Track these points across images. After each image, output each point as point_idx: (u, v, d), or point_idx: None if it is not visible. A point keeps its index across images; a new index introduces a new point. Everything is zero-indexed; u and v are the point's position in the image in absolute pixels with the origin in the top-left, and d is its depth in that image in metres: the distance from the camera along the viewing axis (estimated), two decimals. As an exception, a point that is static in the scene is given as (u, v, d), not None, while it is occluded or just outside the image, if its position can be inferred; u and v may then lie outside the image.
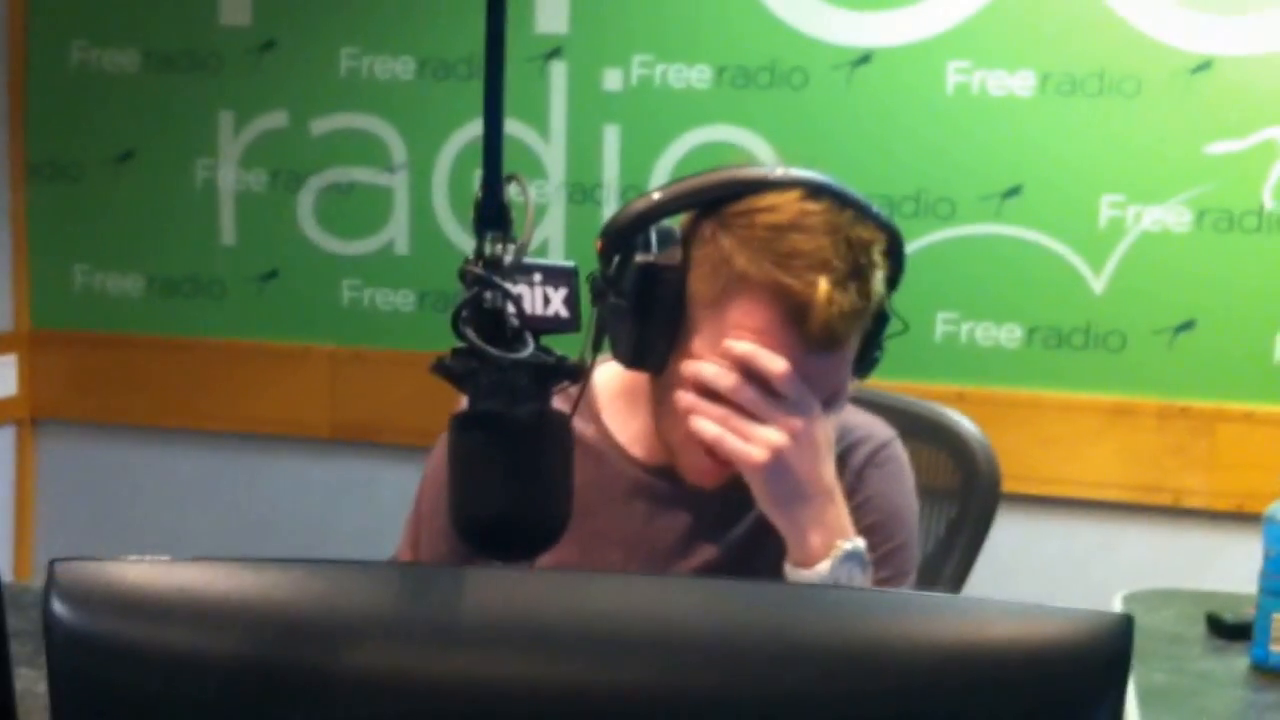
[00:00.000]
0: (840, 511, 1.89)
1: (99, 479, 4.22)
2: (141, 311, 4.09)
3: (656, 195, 1.86)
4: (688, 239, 1.88)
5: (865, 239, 1.87)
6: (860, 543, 1.89)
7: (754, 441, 1.84)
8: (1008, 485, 2.50)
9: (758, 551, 1.95)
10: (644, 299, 1.84)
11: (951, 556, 2.41)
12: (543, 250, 3.72)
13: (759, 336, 1.84)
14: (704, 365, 1.85)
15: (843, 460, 2.00)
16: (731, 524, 1.99)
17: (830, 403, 1.90)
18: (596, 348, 1.86)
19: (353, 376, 3.94)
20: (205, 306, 4.04)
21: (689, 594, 0.90)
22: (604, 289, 1.85)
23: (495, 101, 1.13)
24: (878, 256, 1.88)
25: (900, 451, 2.10)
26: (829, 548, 1.87)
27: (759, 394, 1.84)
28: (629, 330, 1.85)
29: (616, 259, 1.85)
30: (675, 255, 1.86)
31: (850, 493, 1.97)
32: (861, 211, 1.89)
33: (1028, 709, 0.84)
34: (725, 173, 1.91)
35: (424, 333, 3.70)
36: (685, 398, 1.87)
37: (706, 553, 2.00)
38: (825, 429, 1.88)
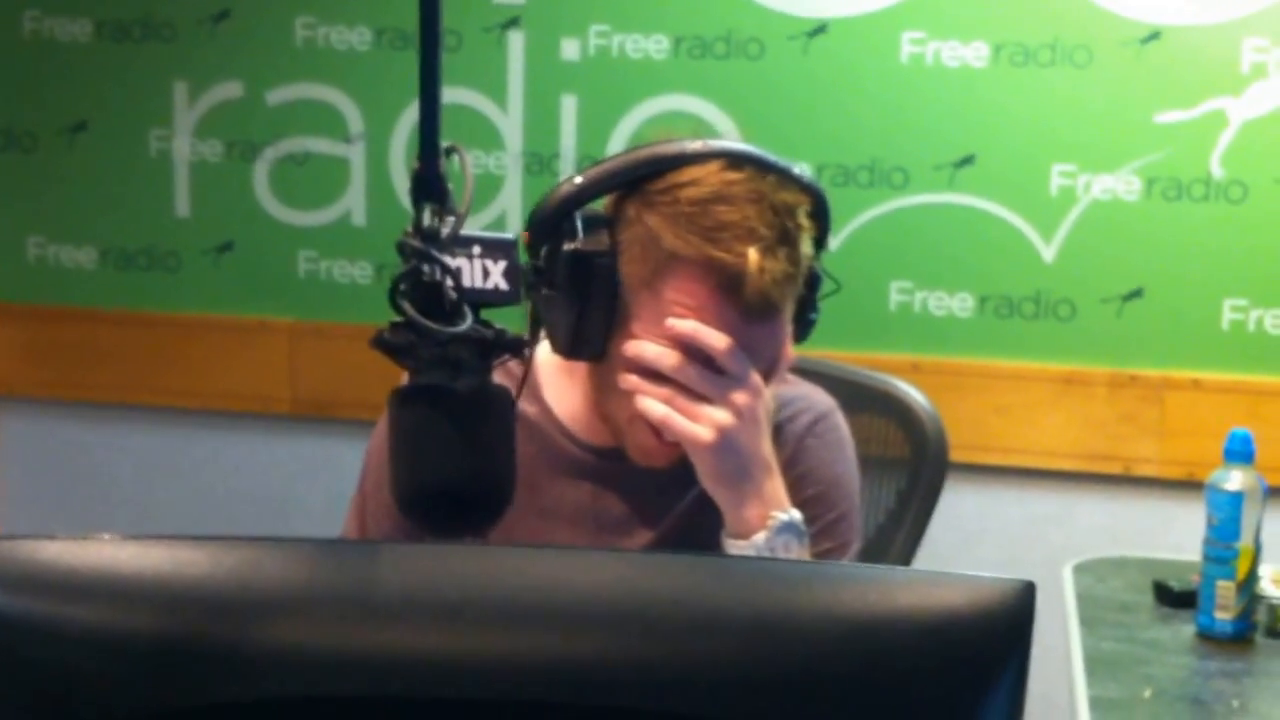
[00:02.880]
0: (776, 484, 1.91)
1: (56, 456, 4.19)
2: (96, 284, 4.06)
3: (578, 180, 1.85)
4: (613, 221, 1.88)
5: (790, 203, 1.87)
6: (796, 514, 1.90)
7: (701, 420, 1.85)
8: (962, 455, 2.51)
9: (702, 524, 1.96)
10: (576, 288, 1.83)
11: (902, 527, 2.42)
12: (501, 222, 3.72)
13: (696, 312, 1.84)
14: (646, 346, 1.86)
15: (782, 430, 2.01)
16: (675, 499, 2.00)
17: (771, 371, 1.91)
18: (533, 338, 1.86)
19: (311, 350, 3.93)
20: (160, 279, 4.01)
21: (604, 566, 0.91)
22: (535, 280, 1.84)
23: (431, 71, 1.13)
24: (804, 219, 1.89)
25: (840, 422, 2.10)
26: (765, 519, 1.88)
27: (702, 372, 1.85)
28: (564, 320, 1.85)
29: (545, 249, 1.84)
30: (603, 240, 1.85)
31: (790, 463, 1.99)
32: (784, 176, 1.89)
33: (933, 674, 0.85)
34: (644, 150, 1.90)
35: (382, 305, 3.64)
36: (629, 379, 1.87)
37: (651, 528, 2.01)
38: (765, 403, 1.90)
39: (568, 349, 1.87)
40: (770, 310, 1.86)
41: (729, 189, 1.85)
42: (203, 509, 4.06)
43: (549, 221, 1.83)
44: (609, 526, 2.01)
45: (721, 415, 1.85)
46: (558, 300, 1.83)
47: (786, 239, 1.86)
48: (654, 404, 1.86)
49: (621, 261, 1.85)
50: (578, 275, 1.82)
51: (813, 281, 1.95)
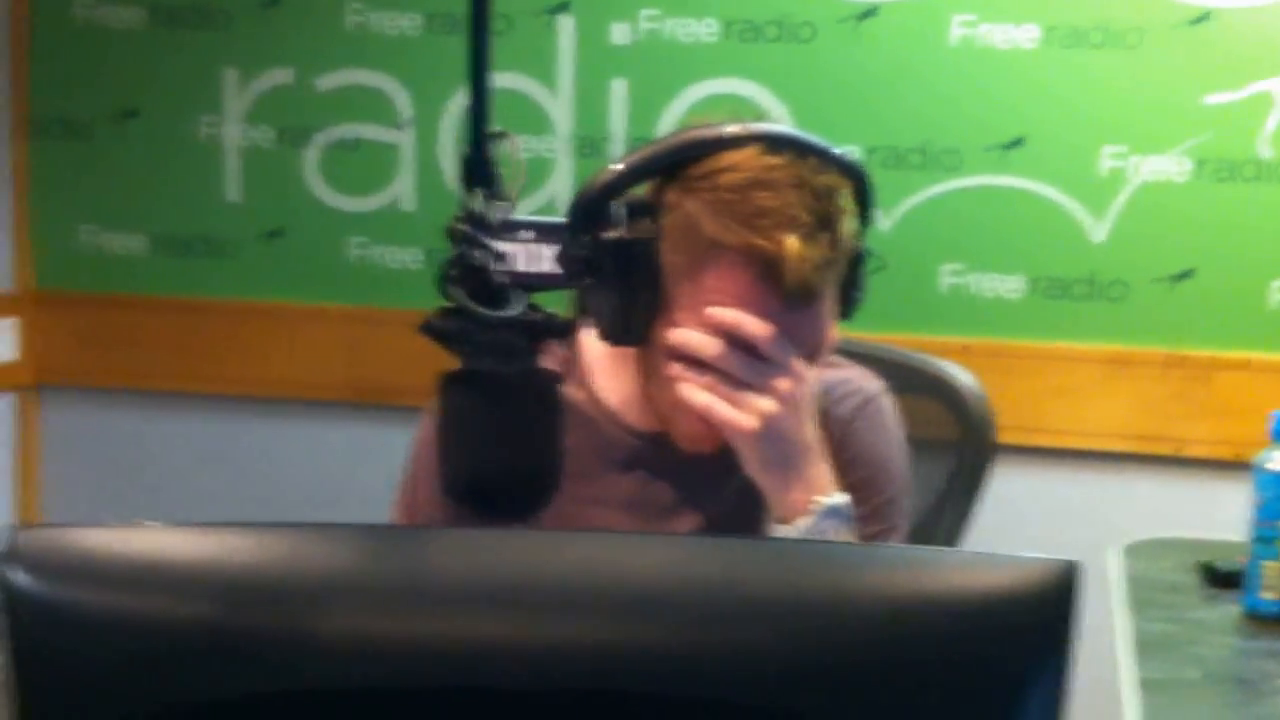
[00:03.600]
0: (821, 468, 1.91)
1: (106, 446, 4.20)
2: (147, 271, 4.07)
3: (618, 166, 1.83)
4: (654, 208, 1.87)
5: (830, 186, 1.87)
6: (842, 498, 1.91)
7: (744, 408, 1.85)
8: (1014, 436, 2.51)
9: (751, 509, 1.96)
10: (618, 275, 1.79)
11: (950, 508, 2.42)
12: (551, 206, 3.72)
13: (736, 300, 1.84)
14: (689, 334, 1.86)
15: (829, 414, 2.01)
16: (723, 484, 2.00)
17: (814, 355, 1.92)
18: (578, 325, 1.87)
19: (363, 336, 3.94)
20: (211, 266, 4.03)
21: (651, 550, 0.91)
22: (577, 268, 1.83)
23: (481, 57, 1.14)
24: (844, 202, 1.89)
25: (888, 404, 2.10)
26: (809, 504, 1.88)
27: (745, 360, 1.85)
28: (607, 308, 1.84)
29: (587, 236, 1.81)
30: (644, 227, 1.83)
31: (838, 447, 1.99)
32: (823, 157, 1.89)
33: (977, 654, 0.85)
34: (683, 135, 1.90)
35: (433, 291, 3.64)
36: (673, 367, 1.87)
37: (699, 514, 2.01)
38: (808, 388, 1.90)
39: (611, 336, 1.86)
40: (811, 296, 1.87)
41: (768, 174, 1.85)
42: (255, 497, 4.07)
43: (590, 209, 1.80)
44: (657, 513, 2.01)
45: (765, 403, 1.85)
46: (600, 288, 1.81)
47: (827, 224, 1.86)
48: (697, 392, 1.86)
49: (663, 249, 1.84)
50: (619, 262, 1.79)
51: (856, 261, 1.95)
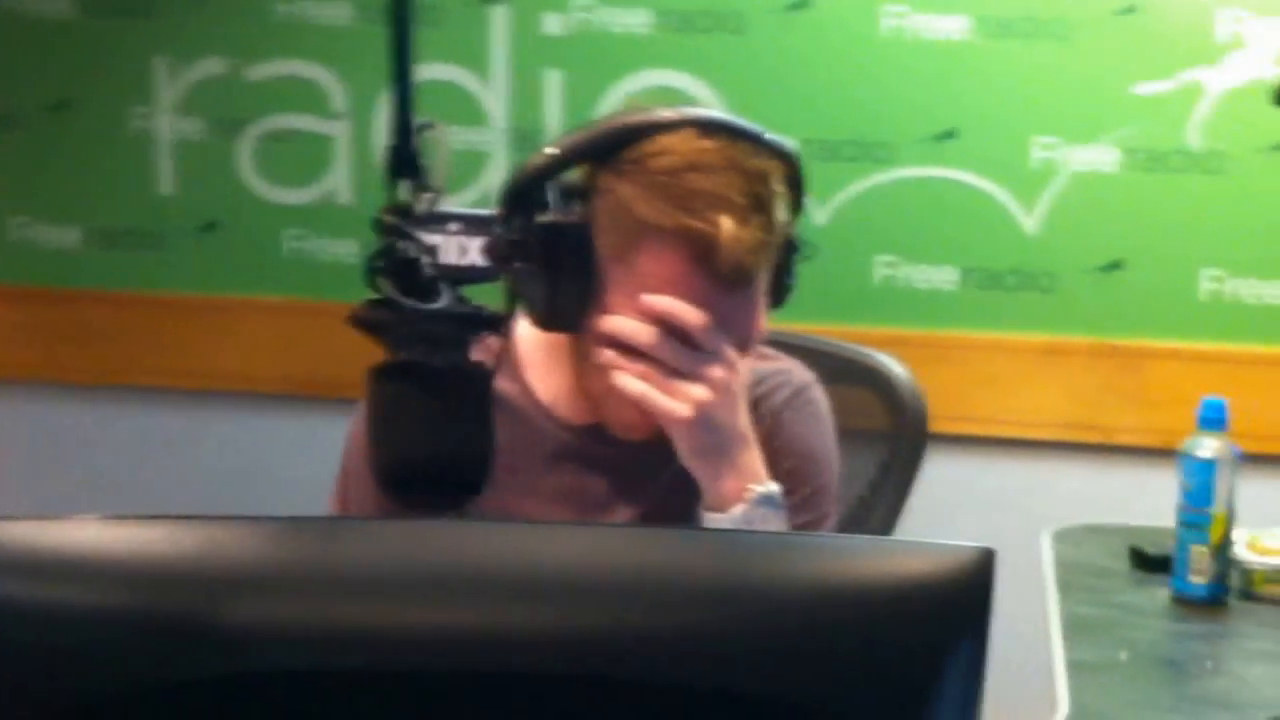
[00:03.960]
0: (754, 457, 1.91)
1: (42, 438, 4.16)
2: (80, 264, 4.04)
3: (552, 151, 1.83)
4: (587, 192, 1.87)
5: (763, 169, 1.88)
6: (773, 487, 1.91)
7: (678, 396, 1.86)
8: (947, 425, 2.53)
9: (684, 499, 1.97)
10: (550, 260, 1.81)
11: (883, 497, 2.44)
12: (485, 199, 3.72)
13: (670, 284, 1.85)
14: (622, 321, 1.86)
15: (761, 404, 2.02)
16: (656, 475, 2.00)
17: (747, 340, 1.92)
18: (510, 314, 1.85)
19: (299, 328, 3.92)
20: (145, 259, 3.99)
21: (578, 540, 0.92)
22: (510, 254, 1.83)
23: (404, 48, 1.14)
24: (777, 185, 1.90)
25: (819, 395, 2.11)
26: (742, 492, 1.89)
27: (679, 348, 1.85)
28: (540, 293, 1.83)
29: (519, 222, 1.80)
30: (577, 211, 1.85)
31: (768, 437, 1.99)
32: (756, 142, 1.90)
33: (896, 638, 0.86)
34: (616, 120, 1.90)
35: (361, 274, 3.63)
36: (606, 354, 1.87)
37: (633, 505, 2.01)
38: (741, 377, 1.91)
39: (544, 322, 1.87)
40: (743, 279, 1.87)
41: (701, 157, 1.85)
42: (192, 488, 4.05)
43: (523, 193, 1.81)
44: (590, 505, 2.01)
45: (698, 391, 1.85)
46: (532, 273, 1.81)
47: (760, 206, 1.86)
48: (632, 380, 1.86)
49: (595, 232, 1.85)
50: (552, 247, 1.81)
51: (789, 248, 1.96)
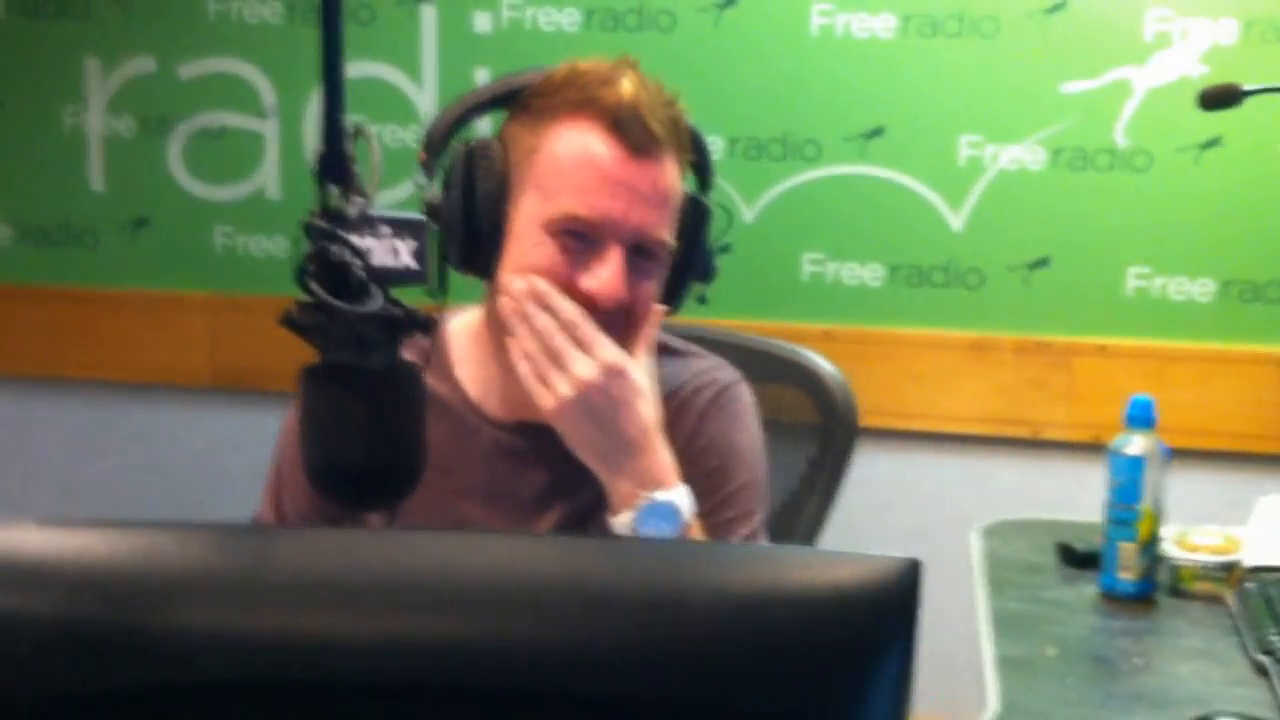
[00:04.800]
0: (653, 462, 1.88)
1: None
2: (12, 260, 4.04)
3: (463, 96, 1.91)
4: (502, 137, 1.92)
5: (667, 91, 1.92)
6: (675, 496, 1.88)
7: (549, 382, 1.85)
8: (876, 420, 2.55)
9: None
10: (467, 187, 1.85)
11: (813, 493, 2.45)
12: (417, 197, 3.70)
13: (581, 160, 1.85)
14: (515, 280, 1.86)
15: (687, 404, 2.02)
16: (588, 473, 2.00)
17: (655, 251, 1.91)
18: (441, 274, 1.85)
19: (229, 323, 3.93)
20: (77, 255, 4.00)
21: (500, 549, 0.92)
22: (432, 202, 1.86)
23: (334, 53, 1.14)
24: (684, 112, 1.93)
25: (744, 393, 2.10)
26: (634, 498, 1.87)
27: (556, 331, 1.85)
28: (457, 220, 1.86)
29: (438, 163, 1.88)
30: (489, 141, 1.89)
31: (692, 436, 2.00)
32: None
33: (820, 650, 0.86)
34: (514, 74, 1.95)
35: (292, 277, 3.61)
36: (505, 306, 1.87)
37: (566, 500, 2.00)
38: (633, 378, 1.87)
39: (460, 256, 1.87)
40: (652, 144, 1.87)
41: (593, 62, 1.90)
42: (125, 481, 4.06)
43: (442, 135, 1.88)
44: (526, 502, 2.01)
45: (564, 388, 1.85)
46: (451, 200, 1.85)
47: (663, 98, 1.90)
48: (519, 354, 1.86)
49: (508, 152, 1.89)
50: (468, 172, 1.85)
51: (699, 216, 1.98)
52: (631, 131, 1.85)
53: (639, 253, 1.90)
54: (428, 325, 1.18)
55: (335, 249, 1.13)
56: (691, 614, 0.86)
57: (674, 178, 1.91)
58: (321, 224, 1.12)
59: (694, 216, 1.97)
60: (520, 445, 2.00)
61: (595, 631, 0.85)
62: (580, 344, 1.85)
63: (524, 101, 1.91)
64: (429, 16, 3.74)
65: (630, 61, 1.90)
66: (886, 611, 0.87)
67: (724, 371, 2.10)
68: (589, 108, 1.85)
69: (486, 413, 2.02)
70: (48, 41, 3.94)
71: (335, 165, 1.14)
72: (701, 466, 1.98)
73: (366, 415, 1.14)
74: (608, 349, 1.86)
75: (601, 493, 1.96)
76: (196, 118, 3.90)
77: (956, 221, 3.55)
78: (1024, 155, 3.50)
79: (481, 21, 3.72)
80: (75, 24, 3.92)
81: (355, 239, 1.14)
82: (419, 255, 1.20)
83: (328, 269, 1.13)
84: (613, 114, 1.85)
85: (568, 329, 1.85)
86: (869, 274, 3.61)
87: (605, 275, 1.86)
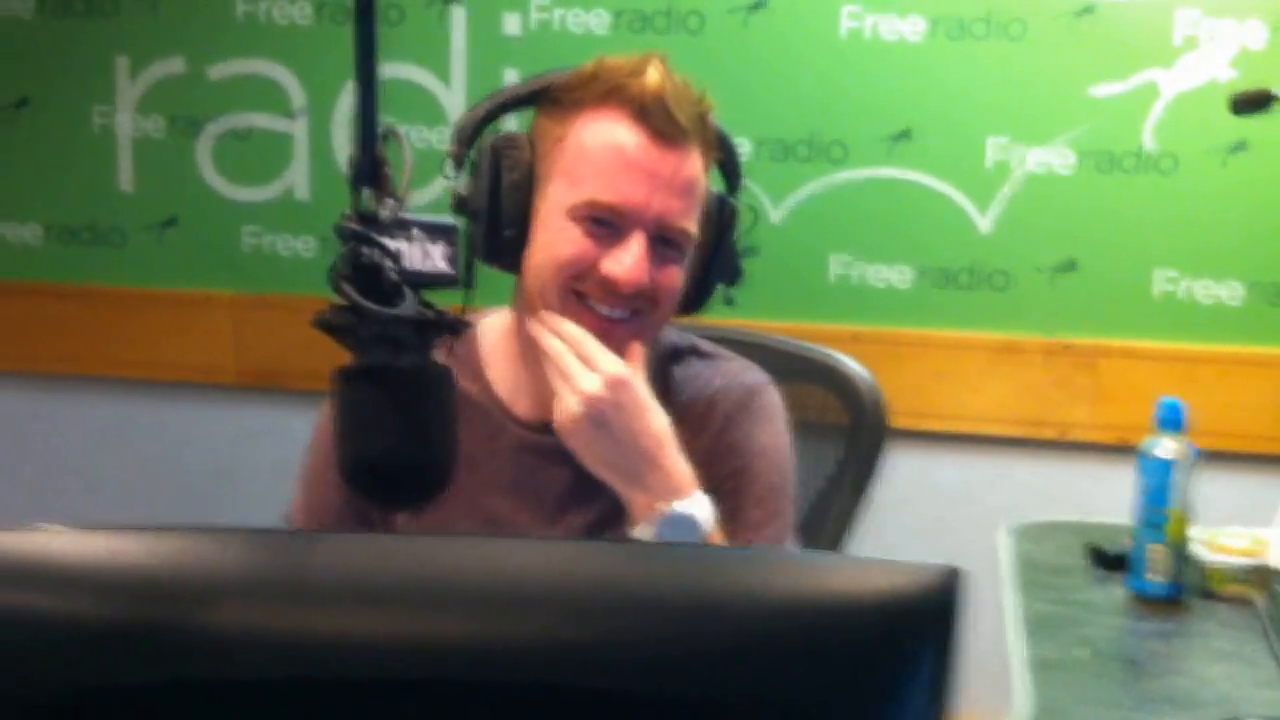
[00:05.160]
0: (669, 472, 1.89)
1: (3, 428, 4.20)
2: (42, 259, 4.06)
3: (494, 93, 1.95)
4: (530, 132, 1.95)
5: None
6: (692, 505, 1.89)
7: (560, 405, 1.89)
8: (902, 421, 2.54)
9: None
10: (494, 178, 1.88)
11: (842, 493, 2.45)
12: (445, 198, 3.71)
13: (607, 148, 1.88)
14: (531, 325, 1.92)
15: (714, 406, 2.03)
16: None
17: (678, 240, 1.93)
18: (469, 268, 1.87)
19: (256, 322, 3.94)
20: (105, 254, 4.02)
21: (534, 552, 0.92)
22: (460, 193, 1.89)
23: (368, 56, 1.15)
24: (712, 111, 1.95)
25: (772, 397, 2.11)
26: (652, 510, 1.88)
27: (570, 355, 1.88)
28: (483, 216, 1.88)
29: (469, 157, 1.90)
30: (518, 135, 1.92)
31: (718, 436, 2.00)
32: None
33: (859, 659, 0.86)
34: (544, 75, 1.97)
35: (326, 279, 3.62)
36: (533, 325, 1.91)
37: (593, 504, 2.01)
38: (637, 388, 1.90)
39: (488, 244, 1.90)
40: (678, 133, 1.89)
41: (622, 58, 1.92)
42: (150, 478, 4.07)
43: (472, 130, 1.91)
44: (551, 499, 2.02)
45: (572, 403, 1.87)
46: (478, 191, 1.88)
47: (689, 89, 1.92)
48: (548, 336, 1.90)
49: (535, 144, 1.92)
50: (495, 165, 1.88)
51: (726, 216, 1.99)
52: (656, 119, 1.87)
53: (663, 242, 1.91)
54: (459, 327, 1.19)
55: (368, 251, 1.14)
56: (731, 619, 0.86)
57: (698, 169, 1.93)
58: (355, 227, 1.13)
59: (720, 216, 1.98)
60: (547, 444, 2.00)
61: (633, 634, 0.86)
62: (584, 360, 1.87)
63: (553, 96, 1.93)
64: (458, 18, 3.75)
65: (660, 55, 1.92)
66: (926, 619, 0.87)
67: (752, 374, 2.11)
68: (615, 97, 1.88)
69: (515, 412, 2.03)
70: (77, 41, 3.95)
71: (369, 168, 1.14)
72: (728, 467, 1.99)
73: (399, 415, 1.15)
74: (609, 361, 1.88)
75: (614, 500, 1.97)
76: (225, 118, 3.91)
77: (984, 223, 3.55)
78: (1052, 157, 3.50)
79: (510, 23, 3.73)
80: (105, 23, 3.93)
81: (388, 242, 1.14)
82: (451, 258, 1.21)
83: (361, 271, 1.14)
84: (638, 102, 1.87)
85: (573, 347, 1.87)
86: (897, 276, 3.61)
87: (627, 260, 1.88)
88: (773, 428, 2.09)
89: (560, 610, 0.86)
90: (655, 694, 0.85)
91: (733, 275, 2.02)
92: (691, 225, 1.93)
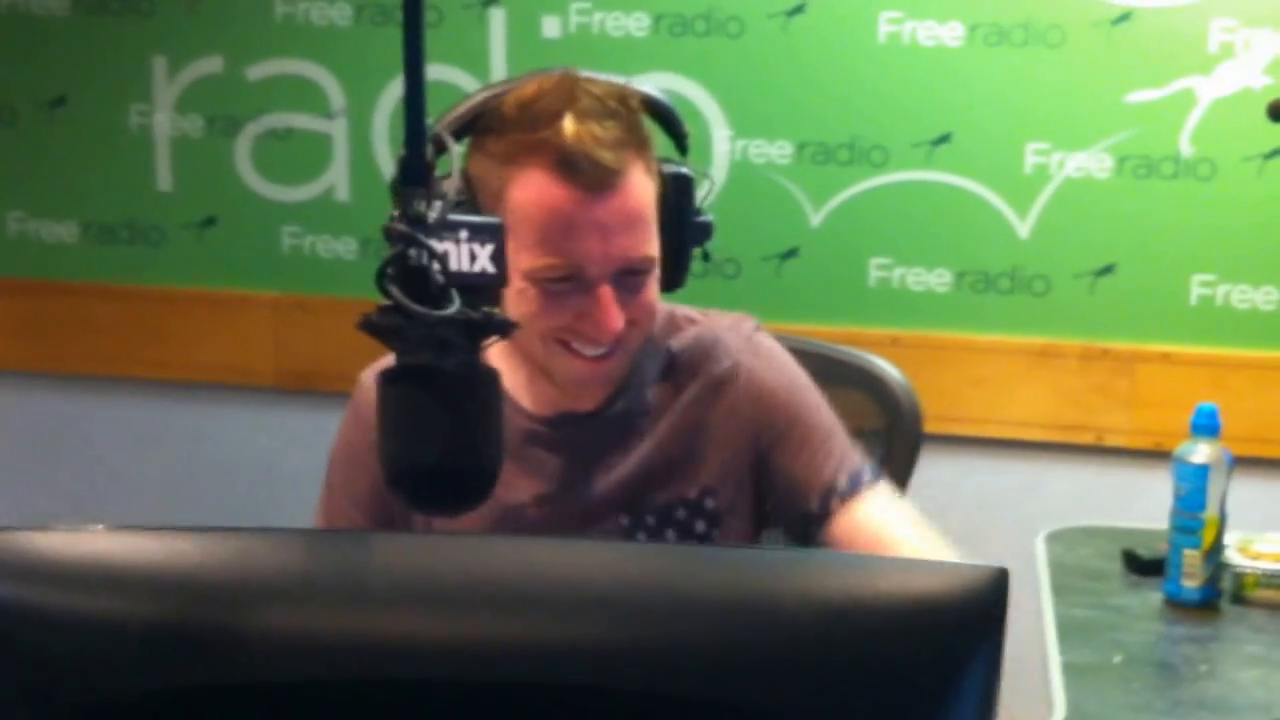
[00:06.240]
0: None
1: (39, 429, 4.21)
2: (78, 258, 4.08)
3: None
4: (467, 174, 1.91)
5: (613, 89, 1.90)
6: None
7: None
8: (939, 426, 2.55)
9: (657, 470, 2.04)
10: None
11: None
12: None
13: (539, 206, 1.85)
14: None
15: (714, 363, 2.09)
16: (624, 454, 2.05)
17: (640, 268, 1.92)
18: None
19: (295, 323, 3.95)
20: (143, 253, 4.03)
21: (598, 555, 0.93)
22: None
23: (416, 59, 1.15)
24: (633, 103, 1.91)
25: (765, 337, 2.15)
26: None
27: None
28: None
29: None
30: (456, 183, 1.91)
31: (744, 388, 2.08)
32: (602, 81, 1.92)
33: (907, 658, 0.87)
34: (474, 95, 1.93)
35: (367, 280, 3.60)
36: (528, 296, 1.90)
37: (609, 479, 2.05)
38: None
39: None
40: (606, 178, 1.85)
41: (541, 87, 1.87)
42: (187, 479, 4.09)
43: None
44: (560, 483, 2.05)
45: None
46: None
47: (609, 113, 1.87)
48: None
49: (476, 193, 1.88)
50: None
51: (682, 187, 1.97)
52: (584, 173, 1.83)
53: (627, 273, 1.91)
54: (506, 328, 1.19)
55: (415, 253, 1.14)
56: (780, 620, 0.86)
57: (641, 188, 1.90)
58: (402, 228, 1.13)
59: (676, 193, 1.96)
60: (556, 435, 2.05)
61: (684, 635, 0.86)
62: None
63: (481, 141, 1.90)
64: (497, 20, 3.76)
65: (570, 80, 1.88)
66: (974, 620, 0.87)
67: (735, 329, 2.13)
68: (538, 152, 1.84)
69: (523, 407, 2.06)
70: (114, 40, 3.97)
71: (416, 169, 1.15)
72: (774, 412, 2.07)
73: (445, 418, 1.15)
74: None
75: (639, 470, 2.03)
76: (264, 118, 3.92)
77: (1023, 228, 3.55)
78: (1090, 163, 3.49)
79: (550, 26, 3.74)
80: (143, 22, 3.94)
81: (434, 243, 1.15)
82: (497, 258, 1.21)
83: (407, 273, 1.14)
84: (560, 155, 1.83)
85: None
86: (935, 280, 3.61)
87: (597, 316, 1.88)
88: (782, 360, 2.13)
89: (612, 613, 0.87)
90: (709, 697, 0.85)
91: (703, 235, 2.01)
92: (652, 249, 1.93)
